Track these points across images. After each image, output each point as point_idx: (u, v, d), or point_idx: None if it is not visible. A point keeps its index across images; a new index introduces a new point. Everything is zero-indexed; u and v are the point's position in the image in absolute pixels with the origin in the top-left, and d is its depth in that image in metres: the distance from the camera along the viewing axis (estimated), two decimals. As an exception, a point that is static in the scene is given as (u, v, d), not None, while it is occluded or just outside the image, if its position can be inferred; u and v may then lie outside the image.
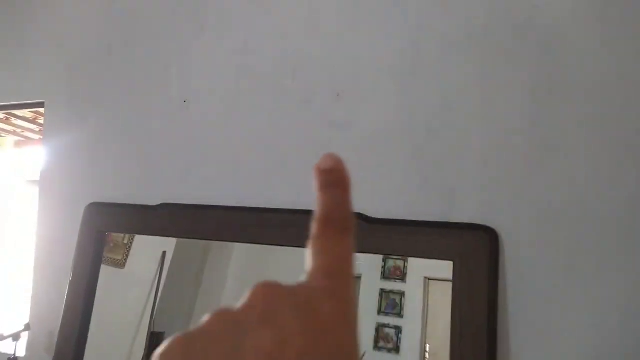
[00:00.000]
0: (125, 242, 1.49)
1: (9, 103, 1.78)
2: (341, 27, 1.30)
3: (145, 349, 1.42)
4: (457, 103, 1.15)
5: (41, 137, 2.79)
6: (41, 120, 2.48)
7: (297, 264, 1.27)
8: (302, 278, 0.30)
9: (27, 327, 1.47)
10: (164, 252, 1.47)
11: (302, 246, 1.07)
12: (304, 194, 1.26)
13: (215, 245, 1.44)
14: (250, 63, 1.40)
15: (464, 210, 1.09)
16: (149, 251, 1.49)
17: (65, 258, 1.50)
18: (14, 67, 1.81)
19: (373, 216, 1.15)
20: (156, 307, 1.44)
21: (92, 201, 1.50)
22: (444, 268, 1.16)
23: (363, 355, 1.18)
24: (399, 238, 1.11)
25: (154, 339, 1.42)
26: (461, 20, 1.17)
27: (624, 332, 0.94)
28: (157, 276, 1.46)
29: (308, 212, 1.10)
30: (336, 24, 1.31)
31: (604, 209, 0.99)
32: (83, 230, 1.48)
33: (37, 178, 1.66)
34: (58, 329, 1.43)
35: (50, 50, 1.74)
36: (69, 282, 1.45)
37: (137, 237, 1.48)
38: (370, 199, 1.18)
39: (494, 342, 0.99)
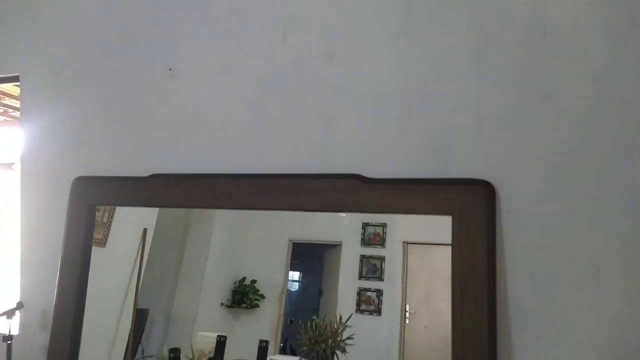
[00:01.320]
0: (105, 220, 1.47)
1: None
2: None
3: (131, 326, 1.42)
4: (451, 61, 1.15)
5: (6, 118, 2.70)
6: (6, 101, 2.39)
7: (278, 230, 1.27)
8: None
9: (20, 305, 1.44)
10: (145, 229, 1.46)
11: (299, 209, 1.06)
12: (298, 158, 1.26)
13: (196, 217, 1.44)
14: (238, 26, 1.36)
15: (461, 166, 1.11)
16: (130, 229, 1.48)
17: (53, 235, 1.47)
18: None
19: (370, 176, 1.15)
20: (140, 284, 1.44)
21: (79, 175, 1.46)
22: (422, 232, 1.22)
23: (350, 317, 1.22)
24: (397, 196, 1.12)
25: (139, 316, 1.42)
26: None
27: (623, 280, 0.98)
28: (139, 253, 1.45)
29: (303, 176, 1.10)
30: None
31: (597, 159, 1.02)
32: (72, 205, 1.44)
33: (7, 161, 1.60)
34: (52, 307, 1.41)
35: (24, 20, 1.66)
36: (60, 258, 1.42)
37: (117, 216, 1.46)
38: (366, 159, 1.19)
39: (493, 294, 1.02)
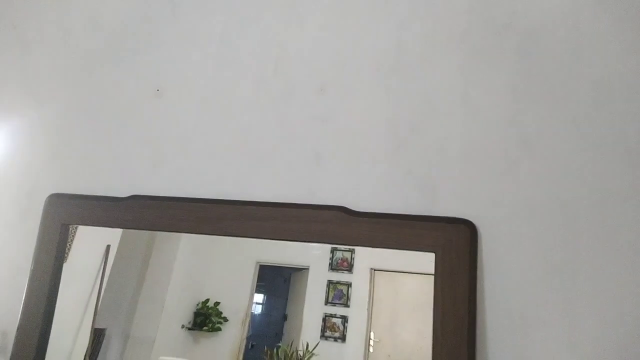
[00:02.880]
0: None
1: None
2: (325, 22, 1.30)
3: (88, 345, 1.36)
4: (439, 100, 1.19)
5: None
6: None
7: (245, 251, 1.26)
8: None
9: (-20, 327, 1.37)
10: (108, 246, 1.42)
11: (282, 239, 1.06)
12: (284, 188, 1.26)
13: (161, 235, 1.41)
14: (229, 52, 1.37)
15: (445, 204, 1.14)
16: (93, 244, 1.43)
17: (20, 253, 1.41)
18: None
19: (356, 209, 1.17)
20: (99, 302, 1.39)
21: (53, 192, 1.41)
22: (389, 260, 1.23)
23: (316, 345, 1.21)
24: (383, 231, 1.13)
25: (96, 335, 1.37)
26: (443, 22, 1.21)
27: (597, 321, 1.02)
28: (101, 270, 1.41)
29: (288, 205, 1.10)
30: (320, 18, 1.31)
31: (577, 203, 1.07)
32: (44, 223, 1.39)
33: None
34: (13, 328, 1.34)
35: (3, 27, 1.61)
36: (28, 278, 1.36)
37: (80, 230, 1.41)
38: (353, 192, 1.20)
39: (473, 331, 1.04)
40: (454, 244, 1.07)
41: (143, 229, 1.36)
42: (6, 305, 1.40)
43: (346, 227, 1.16)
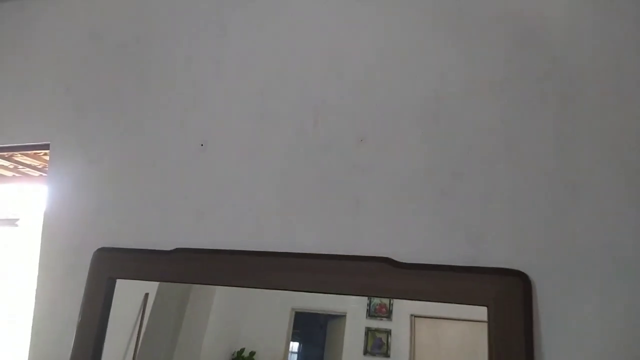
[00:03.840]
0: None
1: (13, 144, 1.73)
2: (364, 73, 1.33)
3: None
4: (481, 148, 1.17)
5: (15, 174, 2.73)
6: (17, 158, 2.42)
7: (280, 298, 1.24)
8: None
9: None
10: (146, 294, 1.43)
11: (327, 292, 1.04)
12: (325, 238, 1.26)
13: (196, 286, 1.40)
14: (270, 106, 1.41)
15: (493, 254, 1.10)
16: (130, 295, 1.44)
17: (69, 306, 1.44)
18: (19, 108, 1.78)
19: (401, 260, 1.15)
20: (137, 352, 1.39)
21: (100, 246, 1.46)
22: (430, 305, 1.16)
23: None
24: (429, 283, 1.10)
25: None
26: (483, 70, 1.21)
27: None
28: (139, 319, 1.41)
29: (332, 257, 1.09)
30: (359, 70, 1.34)
31: (635, 251, 1.02)
32: (91, 277, 1.42)
33: (7, 217, 1.59)
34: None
35: (57, 91, 1.72)
36: (75, 332, 1.38)
37: (119, 282, 1.42)
38: (397, 243, 1.18)
39: (532, 390, 0.98)
40: (506, 297, 1.03)
41: (187, 282, 1.38)
42: (56, 356, 1.42)
43: (391, 279, 1.13)
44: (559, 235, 1.07)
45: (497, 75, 1.20)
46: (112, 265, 1.42)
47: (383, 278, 1.14)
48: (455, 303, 1.07)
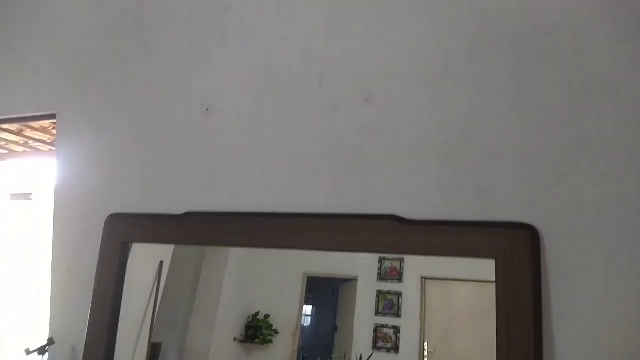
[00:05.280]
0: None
1: (20, 115, 1.74)
2: (368, 32, 1.31)
3: (146, 359, 1.40)
4: (490, 104, 1.16)
5: (26, 149, 2.75)
6: (27, 133, 2.43)
7: (293, 264, 1.27)
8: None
9: (51, 342, 1.44)
10: (161, 262, 1.46)
11: (335, 250, 1.06)
12: (334, 199, 1.26)
13: (211, 250, 1.43)
14: (275, 69, 1.40)
15: (502, 209, 1.10)
16: (146, 261, 1.48)
17: (85, 271, 1.47)
18: (23, 78, 1.78)
19: (409, 217, 1.15)
20: (155, 317, 1.43)
21: (113, 212, 1.48)
22: (440, 267, 1.20)
23: (370, 356, 1.20)
24: (438, 239, 1.11)
25: (153, 350, 1.41)
26: (491, 26, 1.18)
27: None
28: (155, 286, 1.45)
29: (340, 216, 1.09)
30: (363, 29, 1.32)
31: (642, 202, 1.01)
32: (105, 242, 1.45)
33: (21, 191, 1.61)
34: (81, 343, 1.40)
35: (62, 60, 1.71)
36: (92, 295, 1.42)
37: (133, 249, 1.45)
38: (405, 201, 1.19)
39: (539, 339, 1.00)
40: (515, 250, 1.04)
41: (198, 245, 1.40)
42: (75, 321, 1.46)
43: (399, 236, 1.14)
44: (568, 189, 1.07)
45: (507, 28, 1.17)
46: (124, 230, 1.44)
47: (392, 235, 1.15)
48: (462, 257, 1.09)
